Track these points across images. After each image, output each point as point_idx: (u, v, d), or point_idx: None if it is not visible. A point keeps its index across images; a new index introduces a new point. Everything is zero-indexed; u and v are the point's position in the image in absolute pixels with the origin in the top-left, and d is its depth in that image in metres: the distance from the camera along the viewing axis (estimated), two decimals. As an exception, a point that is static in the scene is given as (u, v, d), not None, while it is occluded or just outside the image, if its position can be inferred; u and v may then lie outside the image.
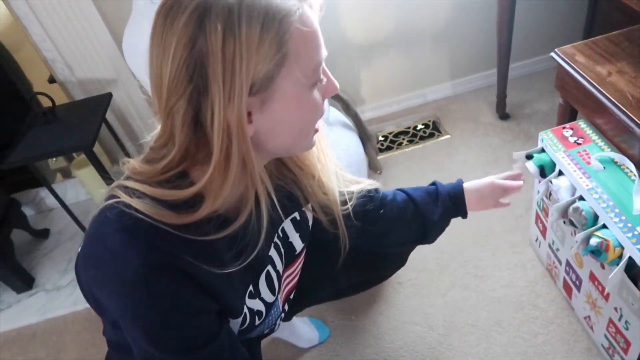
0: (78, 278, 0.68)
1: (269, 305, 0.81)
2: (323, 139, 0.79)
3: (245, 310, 0.74)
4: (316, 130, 0.69)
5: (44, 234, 1.97)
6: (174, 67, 0.55)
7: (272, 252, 0.80)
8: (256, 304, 0.77)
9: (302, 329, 1.35)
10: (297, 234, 0.86)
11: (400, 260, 1.15)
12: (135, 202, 0.58)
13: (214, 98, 0.55)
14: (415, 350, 1.28)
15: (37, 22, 1.62)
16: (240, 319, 0.74)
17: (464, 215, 1.01)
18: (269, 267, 0.79)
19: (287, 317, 1.26)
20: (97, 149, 1.80)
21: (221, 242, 0.63)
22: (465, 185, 1.01)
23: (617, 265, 0.94)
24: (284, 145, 0.66)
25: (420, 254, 1.50)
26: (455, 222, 1.54)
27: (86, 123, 1.58)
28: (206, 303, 0.64)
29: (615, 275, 0.94)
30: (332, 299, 1.25)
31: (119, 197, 0.60)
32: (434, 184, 1.02)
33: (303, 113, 0.63)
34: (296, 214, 0.85)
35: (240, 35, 0.53)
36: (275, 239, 0.81)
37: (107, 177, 1.60)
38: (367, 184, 0.92)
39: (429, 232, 1.01)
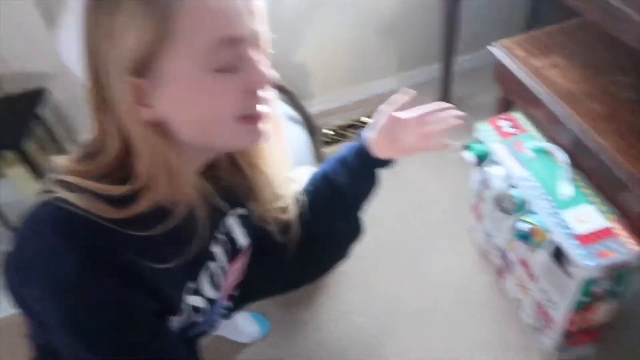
0: (6, 280, 0.63)
1: (210, 302, 0.78)
2: (277, 140, 0.73)
3: (185, 307, 0.72)
4: (248, 121, 0.59)
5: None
6: (83, 49, 0.54)
7: (215, 247, 0.77)
8: (197, 301, 0.75)
9: (243, 324, 1.32)
10: (242, 230, 0.84)
11: (341, 254, 1.14)
12: (72, 197, 0.54)
13: (101, 77, 0.53)
14: (355, 339, 1.29)
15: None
16: (180, 316, 0.71)
17: (378, 164, 0.86)
18: (211, 263, 0.76)
19: (230, 313, 1.24)
20: (31, 147, 1.72)
21: (161, 237, 0.59)
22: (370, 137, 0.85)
23: (544, 248, 0.98)
24: (195, 137, 0.59)
25: (362, 244, 1.51)
26: (397, 212, 1.57)
27: (16, 120, 1.48)
28: (145, 303, 0.61)
29: (542, 258, 0.98)
30: (277, 294, 1.24)
31: (54, 192, 0.55)
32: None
33: (202, 102, 0.55)
34: (241, 210, 0.82)
35: (116, 8, 0.50)
36: (218, 234, 0.78)
37: (41, 177, 1.52)
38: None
39: (348, 200, 0.91)
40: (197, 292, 0.73)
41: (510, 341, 1.22)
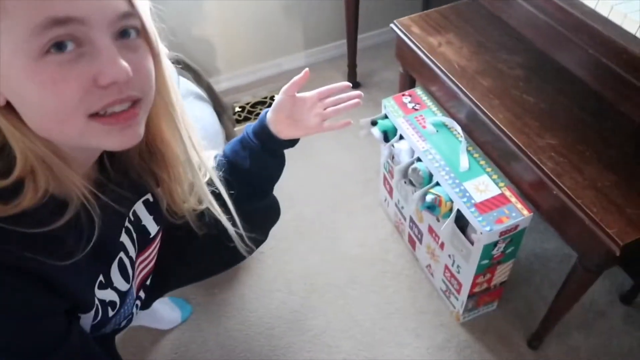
0: None
1: (122, 294, 0.75)
2: (180, 123, 0.68)
3: (97, 302, 0.68)
4: (104, 120, 0.52)
5: None
6: None
7: (124, 238, 0.74)
8: (108, 295, 0.71)
9: (163, 311, 1.29)
10: (151, 217, 0.81)
11: (261, 237, 1.14)
12: None
13: None
14: (278, 316, 1.31)
15: None
16: (92, 312, 0.67)
17: (279, 144, 0.86)
18: (122, 254, 0.73)
19: (146, 305, 1.20)
20: None
21: (61, 230, 0.55)
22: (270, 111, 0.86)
23: (449, 217, 1.06)
24: (45, 130, 0.52)
25: (280, 222, 1.53)
26: (312, 189, 1.61)
27: None
28: (51, 303, 0.57)
29: (447, 226, 1.06)
30: (194, 282, 1.22)
31: None
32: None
33: (33, 89, 0.48)
34: (149, 196, 0.79)
35: None
36: (127, 224, 0.75)
37: None
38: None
39: (255, 181, 0.89)
40: (108, 285, 0.70)
41: (424, 305, 1.31)
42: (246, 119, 1.92)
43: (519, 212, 1.00)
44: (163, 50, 0.59)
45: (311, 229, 1.52)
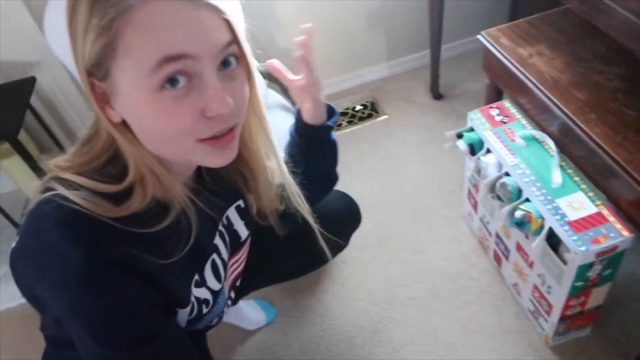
0: (15, 275, 0.64)
1: (215, 293, 0.81)
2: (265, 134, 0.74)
3: (193, 299, 0.74)
4: (212, 144, 0.58)
5: (-32, 229, 1.85)
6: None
7: (217, 241, 0.80)
8: (203, 293, 0.77)
9: (249, 312, 1.36)
10: (242, 222, 0.87)
11: (342, 243, 1.17)
12: (73, 195, 0.56)
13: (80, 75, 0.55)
14: (359, 325, 1.33)
15: (-54, 2, 1.49)
16: (189, 308, 0.74)
17: (319, 131, 0.88)
18: (214, 255, 0.79)
19: (234, 302, 1.27)
20: (23, 136, 1.71)
21: (163, 232, 0.62)
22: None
23: (539, 235, 1.02)
24: (154, 149, 0.59)
25: (362, 232, 1.55)
26: (394, 201, 1.61)
27: (8, 110, 1.49)
28: (152, 297, 0.63)
29: (537, 244, 1.02)
30: (277, 282, 1.28)
31: (55, 190, 0.57)
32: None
33: (148, 119, 0.54)
34: (240, 202, 0.85)
35: (77, 13, 0.51)
36: (220, 227, 0.81)
37: (35, 167, 1.53)
38: None
39: (315, 174, 0.91)
40: (202, 284, 0.76)
41: (510, 324, 1.27)
42: (328, 130, 1.97)
43: (618, 233, 0.95)
44: (254, 67, 0.64)
45: (392, 240, 1.52)
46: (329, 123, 0.87)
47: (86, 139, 0.62)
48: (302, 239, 0.88)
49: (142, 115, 0.55)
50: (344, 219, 1.15)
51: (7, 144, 1.60)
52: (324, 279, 1.45)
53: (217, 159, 0.60)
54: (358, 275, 1.45)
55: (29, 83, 1.59)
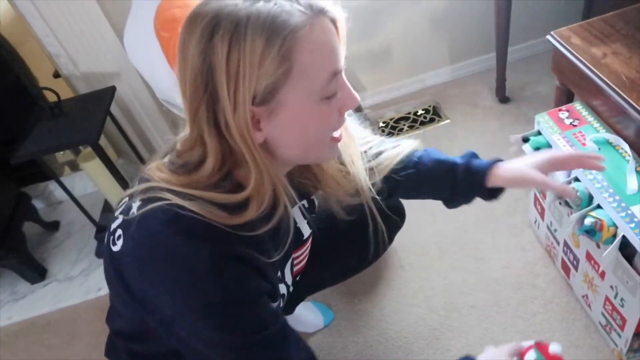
0: (120, 275, 0.69)
1: (289, 288, 0.85)
2: (350, 144, 0.81)
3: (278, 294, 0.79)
4: (336, 140, 0.70)
5: (54, 226, 2.01)
6: (192, 75, 0.60)
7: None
8: (282, 288, 0.82)
9: (307, 315, 1.39)
10: (305, 221, 0.90)
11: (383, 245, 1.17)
12: (189, 204, 0.61)
13: (224, 105, 0.59)
14: (416, 331, 1.31)
15: (40, 17, 1.64)
16: (277, 303, 0.78)
17: (484, 194, 0.91)
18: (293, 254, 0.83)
19: (290, 310, 1.30)
20: (102, 141, 1.84)
21: (266, 235, 0.67)
22: (500, 168, 0.88)
23: (611, 244, 0.96)
24: (296, 155, 0.69)
25: (420, 237, 1.53)
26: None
27: (91, 117, 1.61)
28: (264, 286, 0.69)
29: (609, 253, 0.97)
30: (328, 285, 1.30)
31: (167, 200, 0.62)
32: (469, 155, 0.92)
33: (310, 125, 0.65)
34: (305, 202, 0.88)
35: (244, 49, 0.56)
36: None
37: (113, 170, 1.64)
38: (405, 149, 0.91)
39: (419, 195, 1.00)
40: (282, 280, 0.81)
41: (579, 338, 1.20)
42: (389, 135, 1.96)
43: (701, 244, 0.87)
44: None
45: (452, 246, 1.49)
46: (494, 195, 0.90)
47: (188, 165, 0.66)
48: (353, 235, 0.90)
49: (304, 124, 0.64)
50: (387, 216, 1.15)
51: (89, 148, 1.73)
52: (381, 284, 1.45)
53: (335, 152, 0.74)
54: (416, 281, 1.43)
55: (110, 92, 1.71)
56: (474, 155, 0.91)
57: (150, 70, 1.24)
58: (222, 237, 0.62)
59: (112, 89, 1.73)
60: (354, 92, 0.66)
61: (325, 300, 1.44)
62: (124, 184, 1.68)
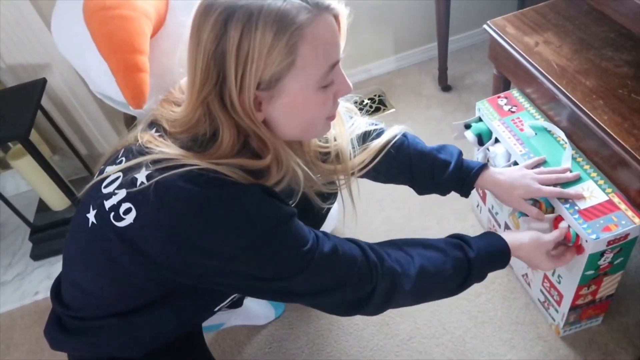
0: (133, 250, 0.69)
1: None
2: (339, 123, 0.90)
3: None
4: (330, 118, 0.77)
5: (-17, 229, 1.88)
6: (205, 58, 0.65)
7: None
8: None
9: (258, 308, 1.37)
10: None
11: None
12: (221, 168, 0.66)
13: (230, 87, 0.66)
14: (366, 318, 1.33)
15: (-43, 5, 1.52)
16: None
17: (466, 189, 1.02)
18: None
19: (239, 303, 1.28)
20: (35, 137, 1.74)
21: (282, 193, 0.74)
22: (488, 174, 1.00)
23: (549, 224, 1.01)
24: (293, 134, 0.75)
25: (370, 226, 1.55)
26: (402, 194, 1.61)
27: (20, 111, 1.51)
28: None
29: (541, 226, 1.00)
30: None
31: (193, 165, 0.66)
32: (457, 154, 1.01)
33: (308, 111, 0.71)
34: None
35: (254, 39, 0.62)
36: None
37: (47, 167, 1.55)
38: (391, 137, 1.00)
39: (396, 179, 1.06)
40: None
41: (520, 316, 1.26)
42: (336, 125, 1.96)
43: (629, 220, 0.93)
44: None
45: (401, 234, 1.51)
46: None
47: (205, 137, 0.71)
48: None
49: (302, 109, 0.70)
50: None
51: (19, 145, 1.63)
52: (333, 273, 1.45)
53: (328, 128, 0.79)
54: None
55: (40, 85, 1.61)
56: (460, 154, 1.00)
57: (81, 61, 1.17)
58: (250, 184, 0.68)
59: (43, 82, 1.63)
60: (348, 80, 0.73)
61: (276, 293, 1.43)
62: (59, 181, 1.60)
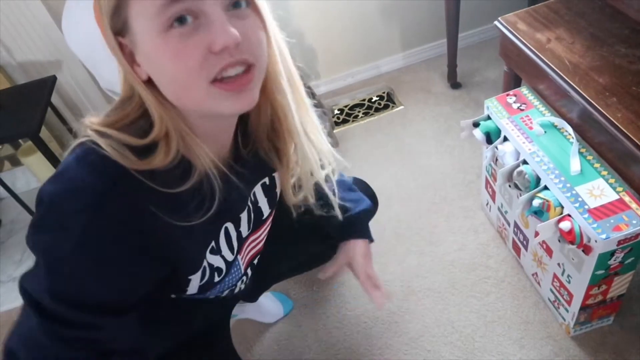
0: (35, 211, 0.61)
1: (228, 264, 0.81)
2: (308, 122, 0.76)
3: (205, 264, 0.74)
4: (221, 86, 0.57)
5: (-6, 225, 1.90)
6: None
7: (243, 215, 0.81)
8: (217, 261, 0.77)
9: (267, 305, 1.37)
10: (265, 199, 0.87)
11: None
12: (102, 142, 0.57)
13: (107, 38, 0.57)
14: (375, 316, 1.33)
15: (-31, 3, 1.53)
16: (200, 273, 0.74)
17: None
18: (229, 224, 0.79)
19: (253, 297, 1.29)
20: (44, 134, 1.75)
21: (185, 194, 0.62)
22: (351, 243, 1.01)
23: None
24: (173, 98, 0.60)
25: (378, 223, 1.54)
26: (411, 192, 1.60)
27: (30, 108, 1.52)
28: (143, 267, 0.62)
29: (547, 225, 0.99)
30: (294, 273, 1.28)
31: (89, 137, 0.59)
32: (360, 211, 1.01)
33: (164, 61, 0.55)
34: (266, 179, 0.85)
35: None
36: (249, 203, 0.82)
37: (57, 163, 1.56)
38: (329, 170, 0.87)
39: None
40: (217, 252, 0.77)
41: (529, 315, 1.25)
42: (345, 122, 1.96)
43: (640, 220, 0.92)
44: (273, 24, 0.64)
45: (409, 231, 1.51)
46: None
47: (121, 100, 0.63)
48: (321, 226, 0.89)
49: (157, 59, 0.56)
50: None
51: (29, 142, 1.64)
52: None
53: (234, 104, 0.59)
54: (374, 266, 1.43)
55: (50, 82, 1.62)
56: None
57: (91, 58, 1.17)
58: (128, 182, 0.57)
59: (53, 79, 1.64)
60: (229, 27, 0.54)
61: (284, 290, 1.43)
62: (69, 178, 1.61)
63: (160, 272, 0.66)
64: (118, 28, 0.56)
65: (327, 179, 0.84)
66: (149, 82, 0.60)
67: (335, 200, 0.89)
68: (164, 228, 0.61)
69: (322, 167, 0.82)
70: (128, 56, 0.58)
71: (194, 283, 0.74)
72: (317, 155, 0.79)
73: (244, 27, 0.57)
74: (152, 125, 0.60)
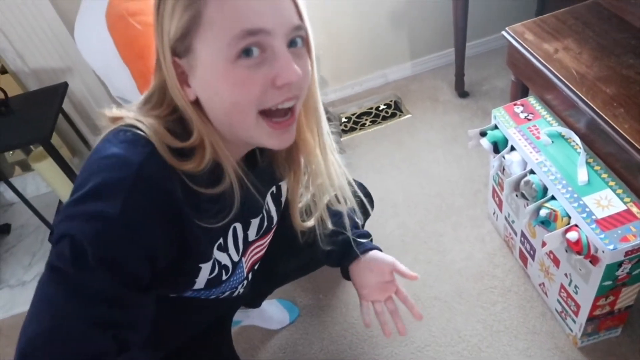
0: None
1: (234, 264, 0.83)
2: (326, 155, 0.78)
3: (215, 259, 0.76)
4: (270, 123, 0.62)
5: (5, 229, 1.92)
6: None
7: (255, 220, 0.82)
8: (224, 258, 0.79)
9: (273, 312, 1.38)
10: (274, 207, 0.89)
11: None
12: (143, 127, 0.60)
13: (159, 55, 0.60)
14: (381, 325, 1.32)
15: (-16, 11, 1.56)
16: (210, 264, 0.74)
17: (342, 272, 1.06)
18: (237, 225, 0.79)
19: (256, 303, 1.29)
20: (55, 140, 1.77)
21: (207, 200, 0.65)
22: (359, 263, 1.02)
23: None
24: (220, 122, 0.63)
25: (384, 231, 1.55)
26: (418, 200, 1.60)
27: (42, 114, 1.55)
28: (163, 241, 0.61)
29: (553, 236, 0.99)
30: (296, 277, 1.29)
31: (130, 124, 0.61)
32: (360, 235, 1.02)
33: (224, 88, 0.58)
34: (274, 188, 0.87)
35: (164, 1, 0.57)
36: (264, 211, 0.84)
37: (67, 169, 1.58)
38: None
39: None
40: (224, 250, 0.79)
41: (536, 325, 1.24)
42: (352, 130, 1.97)
43: (648, 231, 0.91)
44: (314, 54, 0.68)
45: (415, 239, 1.51)
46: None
47: (148, 98, 0.65)
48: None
49: (217, 86, 0.59)
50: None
51: (40, 148, 1.66)
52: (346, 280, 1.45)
53: (276, 141, 0.64)
54: (381, 274, 1.44)
55: (62, 88, 1.65)
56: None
57: (103, 66, 1.19)
58: (162, 162, 0.59)
59: (64, 85, 1.66)
60: (293, 65, 0.58)
61: (290, 297, 1.44)
62: (79, 184, 1.62)
63: (172, 251, 0.65)
64: (179, 51, 0.59)
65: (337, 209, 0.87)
66: (194, 102, 0.63)
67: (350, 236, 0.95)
68: (184, 214, 0.63)
69: (338, 200, 0.84)
70: (179, 75, 0.61)
71: (204, 273, 0.75)
72: (334, 177, 0.82)
73: (301, 65, 0.61)
74: (185, 131, 0.63)
